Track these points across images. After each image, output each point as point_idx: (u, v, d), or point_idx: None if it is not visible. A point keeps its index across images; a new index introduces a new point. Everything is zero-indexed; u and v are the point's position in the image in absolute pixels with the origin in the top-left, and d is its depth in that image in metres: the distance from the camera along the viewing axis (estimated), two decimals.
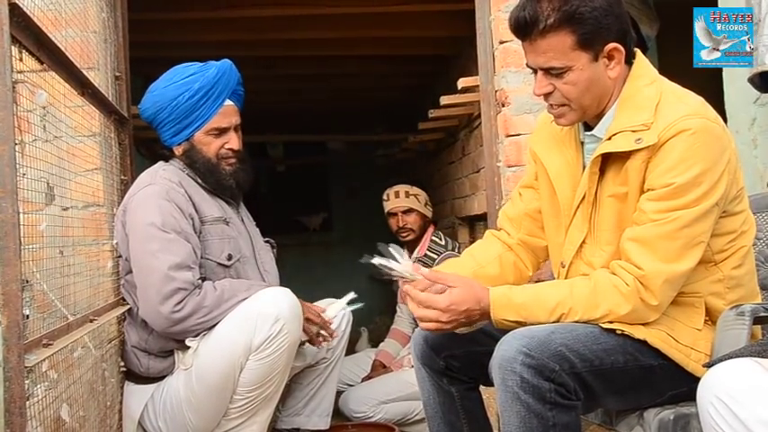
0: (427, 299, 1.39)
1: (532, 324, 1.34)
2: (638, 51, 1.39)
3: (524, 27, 1.32)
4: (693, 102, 1.35)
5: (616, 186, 1.37)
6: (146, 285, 1.84)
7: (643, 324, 1.34)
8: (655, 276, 1.30)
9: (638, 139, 1.31)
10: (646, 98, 1.34)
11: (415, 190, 2.99)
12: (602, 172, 1.39)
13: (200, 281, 1.86)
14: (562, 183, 1.46)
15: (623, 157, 1.34)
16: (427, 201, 2.98)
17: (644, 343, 1.33)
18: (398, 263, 1.47)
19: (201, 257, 1.90)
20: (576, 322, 1.33)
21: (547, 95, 1.37)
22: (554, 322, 1.34)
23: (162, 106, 1.95)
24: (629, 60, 1.37)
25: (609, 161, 1.37)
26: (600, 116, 1.40)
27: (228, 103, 2.00)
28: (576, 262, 1.45)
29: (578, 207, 1.44)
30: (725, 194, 1.33)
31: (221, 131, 1.99)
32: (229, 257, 1.95)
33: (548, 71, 1.35)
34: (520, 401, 1.26)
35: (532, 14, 1.31)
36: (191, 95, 1.93)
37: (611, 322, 1.34)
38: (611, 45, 1.32)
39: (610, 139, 1.36)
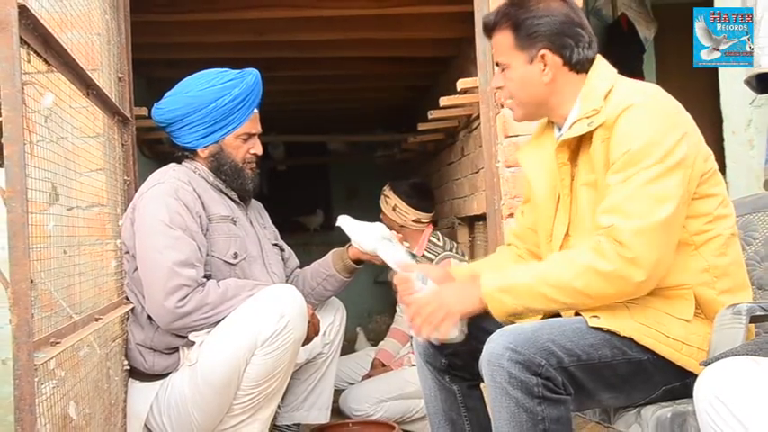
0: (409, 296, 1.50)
1: (518, 288, 1.38)
2: (598, 56, 1.52)
3: (485, 27, 1.56)
4: (644, 86, 1.46)
5: (587, 175, 1.46)
6: (151, 280, 1.86)
7: (631, 318, 1.36)
8: (622, 229, 1.33)
9: (590, 123, 1.42)
10: (598, 90, 1.46)
11: (388, 192, 2.94)
12: (577, 164, 1.49)
13: (204, 279, 1.88)
14: (539, 181, 1.57)
15: (588, 145, 1.44)
16: (397, 207, 2.89)
17: (632, 338, 1.35)
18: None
19: (208, 255, 1.93)
20: (557, 284, 1.36)
21: (502, 90, 1.58)
22: (537, 282, 1.37)
23: (197, 107, 2.00)
24: (579, 70, 1.50)
25: (580, 152, 1.48)
26: (567, 117, 1.52)
27: (255, 110, 2.09)
28: None
29: (558, 201, 1.52)
30: (686, 159, 1.36)
31: (249, 136, 2.07)
32: (235, 256, 1.98)
33: (499, 66, 1.55)
34: (509, 396, 1.29)
35: (491, 16, 1.54)
36: (231, 99, 2.00)
37: (596, 316, 1.36)
38: (542, 51, 1.48)
39: (570, 129, 1.47)
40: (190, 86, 2.04)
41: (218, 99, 2.00)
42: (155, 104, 2.10)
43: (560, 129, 1.55)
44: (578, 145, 1.48)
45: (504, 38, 1.51)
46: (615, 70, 1.52)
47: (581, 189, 1.48)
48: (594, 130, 1.42)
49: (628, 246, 1.32)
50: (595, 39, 1.53)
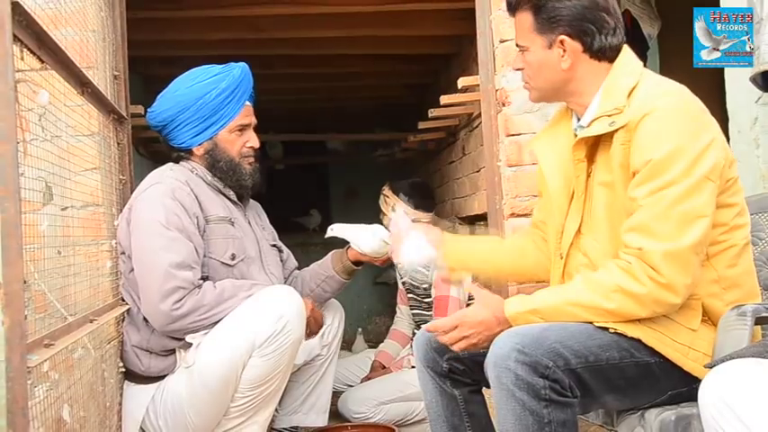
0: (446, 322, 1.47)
1: (545, 311, 1.36)
2: (624, 47, 1.46)
3: (508, 4, 1.52)
4: (669, 86, 1.39)
5: (604, 174, 1.41)
6: (147, 282, 1.84)
7: (639, 321, 1.34)
8: (652, 252, 1.29)
9: (612, 123, 1.36)
10: (622, 85, 1.40)
11: (387, 191, 2.91)
12: (594, 161, 1.44)
13: (200, 281, 1.86)
14: (554, 174, 1.53)
15: (608, 144, 1.39)
16: (396, 207, 2.76)
17: (639, 340, 1.33)
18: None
19: (205, 256, 1.91)
20: (587, 305, 1.34)
21: (522, 71, 1.54)
22: (566, 304, 1.35)
23: (186, 105, 1.98)
24: (602, 58, 1.44)
25: (598, 150, 1.43)
26: (587, 107, 1.47)
27: (248, 102, 2.07)
28: (573, 252, 1.49)
29: (572, 197, 1.48)
30: (716, 169, 1.32)
31: (243, 129, 2.05)
32: (233, 257, 1.96)
33: (518, 47, 1.51)
34: (515, 399, 1.26)
35: None
36: (218, 93, 1.98)
37: (614, 324, 1.34)
38: (562, 37, 1.43)
39: (589, 126, 1.42)
40: (177, 86, 2.03)
41: (206, 94, 1.98)
42: (148, 110, 2.08)
43: (579, 118, 1.50)
44: (596, 142, 1.43)
45: (525, 19, 1.47)
46: (641, 63, 1.46)
47: (597, 188, 1.44)
48: (615, 130, 1.37)
49: (659, 270, 1.29)
50: (622, 25, 1.46)
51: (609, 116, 1.38)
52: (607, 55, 1.44)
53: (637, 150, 1.33)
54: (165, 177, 1.96)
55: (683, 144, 1.30)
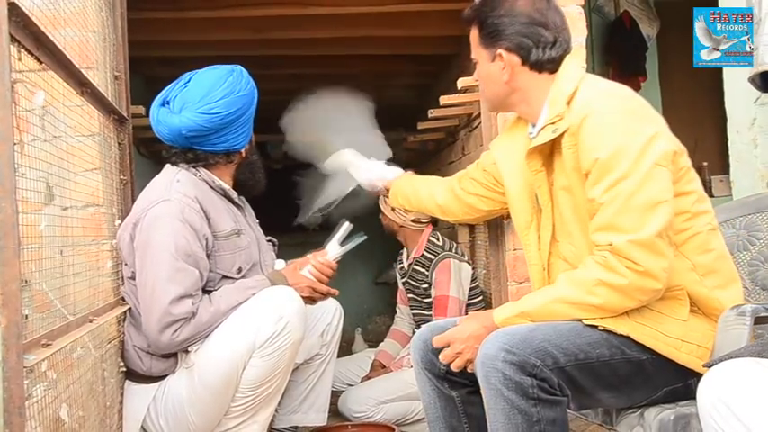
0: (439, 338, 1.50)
1: (533, 312, 1.38)
2: (568, 56, 1.52)
3: (463, 21, 1.59)
4: (608, 88, 1.45)
5: (562, 179, 1.45)
6: (147, 310, 1.83)
7: (627, 317, 1.36)
8: (622, 245, 1.31)
9: (555, 129, 1.42)
10: (562, 93, 1.45)
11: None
12: (553, 168, 1.48)
13: (200, 301, 1.85)
14: (512, 178, 1.59)
15: (560, 150, 1.44)
16: (396, 207, 2.80)
17: (629, 337, 1.34)
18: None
19: (211, 271, 1.90)
20: (574, 301, 1.36)
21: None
22: (552, 302, 1.37)
23: (248, 106, 1.98)
24: (541, 69, 1.49)
25: (554, 157, 1.47)
26: (538, 116, 1.52)
27: None
28: (554, 261, 1.51)
29: (541, 212, 1.52)
30: (666, 155, 1.34)
31: None
32: (239, 270, 1.96)
33: (472, 60, 1.60)
34: (503, 398, 1.28)
35: (466, 12, 1.58)
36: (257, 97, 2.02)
37: (602, 324, 1.35)
38: (500, 51, 1.50)
39: (537, 136, 1.48)
40: (235, 86, 1.93)
41: (255, 94, 2.01)
42: (197, 112, 1.88)
43: (534, 125, 1.55)
44: (551, 150, 1.47)
45: (473, 35, 1.56)
46: (583, 69, 1.53)
47: (560, 193, 1.47)
48: (561, 136, 1.42)
49: (635, 260, 1.31)
50: (564, 38, 1.51)
51: (552, 124, 1.43)
52: (546, 67, 1.50)
53: (583, 152, 1.37)
54: (174, 193, 1.87)
55: (626, 139, 1.33)
